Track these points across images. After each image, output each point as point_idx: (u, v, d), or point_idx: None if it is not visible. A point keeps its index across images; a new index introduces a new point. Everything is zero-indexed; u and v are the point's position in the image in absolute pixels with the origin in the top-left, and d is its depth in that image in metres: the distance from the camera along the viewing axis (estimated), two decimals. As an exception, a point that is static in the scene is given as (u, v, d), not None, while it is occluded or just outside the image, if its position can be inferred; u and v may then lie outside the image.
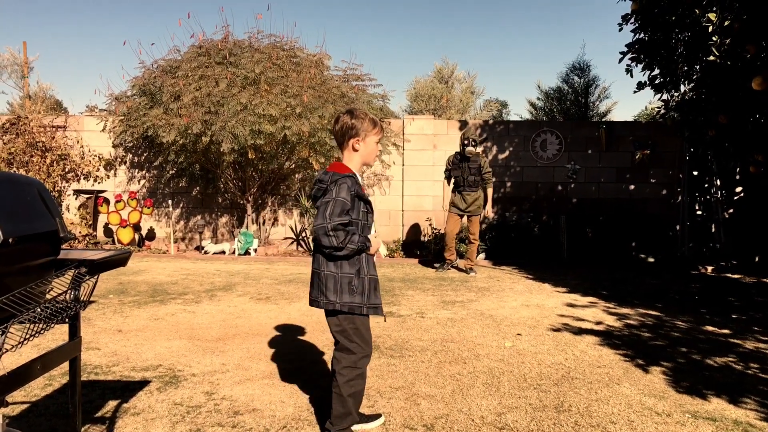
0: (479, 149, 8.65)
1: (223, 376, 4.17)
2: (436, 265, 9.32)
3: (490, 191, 8.83)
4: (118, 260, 2.59)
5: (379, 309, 3.11)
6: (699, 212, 11.49)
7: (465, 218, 9.02)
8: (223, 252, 11.02)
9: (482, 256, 10.59)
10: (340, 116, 3.15)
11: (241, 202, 11.49)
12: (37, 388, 3.83)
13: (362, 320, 3.08)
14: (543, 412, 3.58)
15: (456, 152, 8.85)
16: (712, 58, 6.90)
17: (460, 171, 8.65)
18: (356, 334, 3.06)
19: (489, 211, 8.92)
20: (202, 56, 10.48)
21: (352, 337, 3.06)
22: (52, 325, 2.23)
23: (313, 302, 3.12)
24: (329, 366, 4.33)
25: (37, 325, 2.11)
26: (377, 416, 3.40)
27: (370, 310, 3.06)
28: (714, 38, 6.70)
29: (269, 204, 11.85)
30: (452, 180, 8.90)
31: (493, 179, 9.10)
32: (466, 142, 8.55)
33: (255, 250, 10.97)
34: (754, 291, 8.04)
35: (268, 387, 3.96)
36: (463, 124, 11.87)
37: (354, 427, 3.17)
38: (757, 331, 5.72)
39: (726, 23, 6.46)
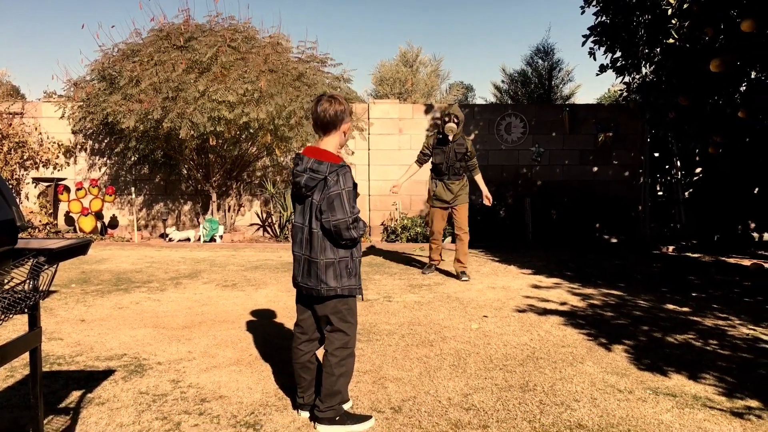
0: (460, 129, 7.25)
1: (190, 363, 4.14)
2: (424, 269, 7.77)
3: (480, 177, 7.48)
4: (78, 248, 2.55)
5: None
6: (660, 193, 11.70)
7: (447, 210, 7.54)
8: (188, 239, 10.90)
9: (449, 239, 10.64)
10: (327, 103, 3.15)
11: (206, 189, 11.35)
12: (-2, 381, 3.76)
13: (353, 300, 3.24)
14: (509, 392, 3.63)
15: (435, 132, 7.51)
16: (671, 40, 7.01)
17: (443, 156, 7.21)
18: (350, 314, 3.20)
19: (489, 195, 7.43)
20: (162, 40, 10.27)
21: (347, 317, 3.19)
22: (11, 316, 2.19)
23: (308, 290, 3.18)
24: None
25: (-6, 316, 2.06)
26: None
27: (360, 291, 3.23)
28: (673, 21, 6.80)
29: (234, 190, 11.73)
30: (428, 165, 7.58)
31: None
32: (446, 118, 7.11)
33: (221, 237, 10.88)
34: (713, 270, 8.24)
35: (236, 374, 3.94)
36: (429, 108, 11.87)
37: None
38: (716, 308, 5.87)
39: (685, 6, 6.55)
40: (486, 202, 7.41)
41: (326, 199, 3.04)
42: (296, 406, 3.37)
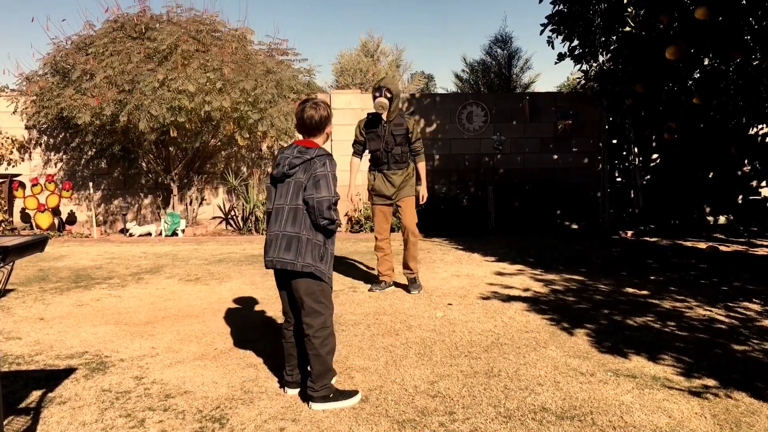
0: (403, 107, 6.23)
1: (153, 359, 4.09)
2: (373, 286, 6.21)
3: (423, 166, 6.09)
4: (34, 245, 2.49)
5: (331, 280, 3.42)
6: (619, 179, 11.91)
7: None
8: (149, 234, 10.74)
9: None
10: (312, 110, 3.40)
11: (166, 182, 11.19)
12: (-46, 383, 3.67)
13: (326, 285, 3.37)
14: (474, 378, 3.67)
15: (367, 114, 6.17)
16: (627, 28, 7.13)
17: (379, 140, 5.92)
18: (323, 294, 3.33)
19: (424, 193, 6.15)
20: (117, 31, 10.05)
21: (320, 297, 3.32)
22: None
23: (283, 264, 3.27)
24: (262, 344, 4.32)
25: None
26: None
27: (329, 280, 3.38)
28: (629, 9, 6.91)
29: (195, 183, 11.59)
30: (366, 154, 6.19)
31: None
32: (377, 93, 5.78)
33: (182, 231, 10.74)
34: (670, 253, 8.42)
35: (200, 368, 3.91)
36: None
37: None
38: (674, 291, 6.01)
39: (640, -6, 6.67)
40: (420, 201, 6.11)
41: (312, 177, 3.24)
42: (283, 384, 3.51)
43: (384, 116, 5.89)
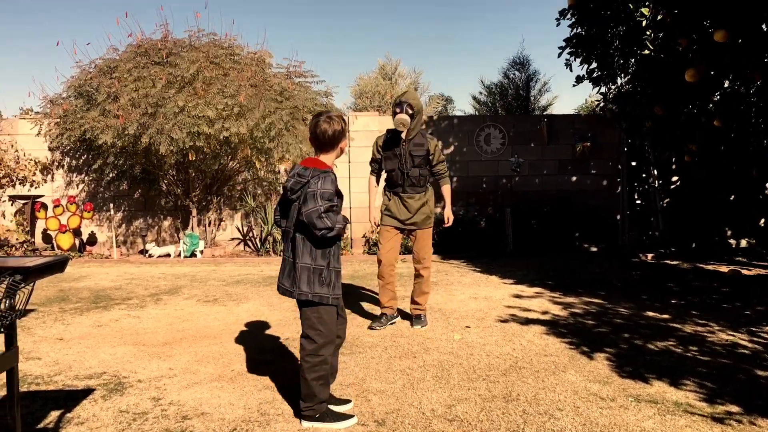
0: (424, 127, 5.67)
1: (171, 381, 4.10)
2: (373, 322, 5.52)
3: (447, 188, 5.63)
4: (55, 266, 2.52)
5: (341, 299, 3.38)
6: (638, 202, 11.81)
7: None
8: (168, 255, 10.81)
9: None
10: (326, 124, 3.33)
11: (186, 204, 11.28)
12: (-26, 402, 3.69)
13: (327, 309, 3.32)
14: (492, 402, 3.63)
15: (387, 130, 5.53)
16: (646, 51, 7.11)
17: (397, 160, 5.39)
18: (320, 322, 3.30)
19: (450, 216, 5.66)
20: (141, 56, 10.22)
21: (316, 325, 3.30)
22: (-13, 336, 2.15)
23: (284, 291, 3.36)
24: (279, 366, 4.32)
25: (-31, 336, 2.03)
26: (347, 401, 3.60)
27: (334, 301, 3.33)
28: (648, 32, 6.91)
29: (214, 205, 11.67)
30: (383, 175, 5.73)
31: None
32: (397, 109, 5.23)
33: (201, 252, 10.80)
34: (691, 276, 8.32)
35: (217, 390, 3.90)
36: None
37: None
38: (695, 315, 5.92)
39: (659, 17, 6.66)
40: (445, 223, 5.68)
41: (304, 195, 3.22)
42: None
43: (403, 135, 5.35)
